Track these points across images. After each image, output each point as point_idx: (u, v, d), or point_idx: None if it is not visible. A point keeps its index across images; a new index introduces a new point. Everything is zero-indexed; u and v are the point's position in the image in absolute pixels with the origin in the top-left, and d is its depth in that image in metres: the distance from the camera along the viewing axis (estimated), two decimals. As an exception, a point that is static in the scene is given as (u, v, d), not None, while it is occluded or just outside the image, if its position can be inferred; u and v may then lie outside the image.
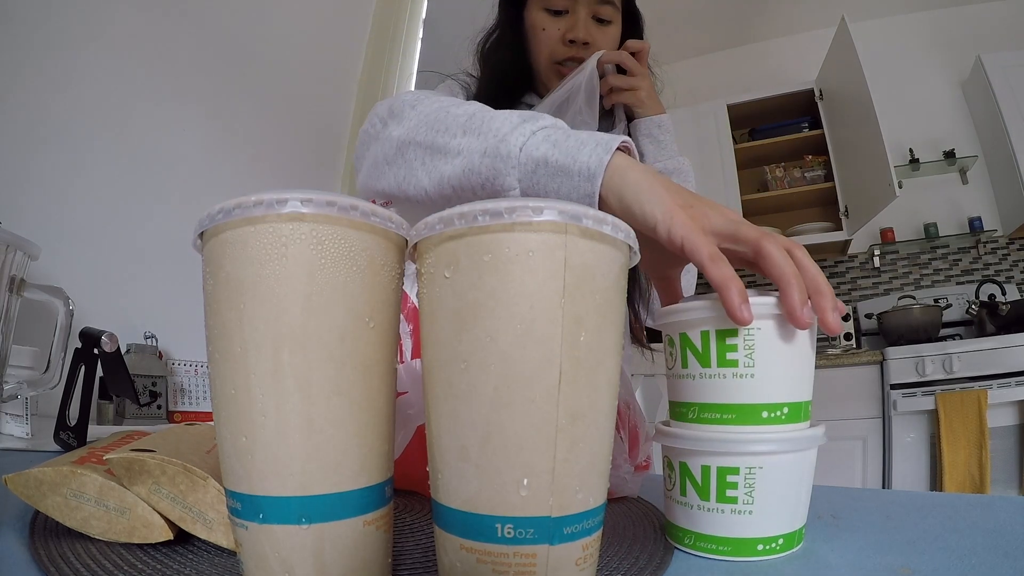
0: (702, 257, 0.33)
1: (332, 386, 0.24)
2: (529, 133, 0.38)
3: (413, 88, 2.04)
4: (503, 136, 0.38)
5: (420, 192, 0.44)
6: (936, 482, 1.94)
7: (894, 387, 2.05)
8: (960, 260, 2.63)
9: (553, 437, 0.23)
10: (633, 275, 0.70)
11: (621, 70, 0.73)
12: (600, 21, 0.73)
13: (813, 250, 2.79)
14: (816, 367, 0.36)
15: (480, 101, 0.49)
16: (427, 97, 0.49)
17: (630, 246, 0.27)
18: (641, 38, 0.79)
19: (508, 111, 0.42)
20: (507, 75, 0.76)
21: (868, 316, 2.62)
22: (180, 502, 0.31)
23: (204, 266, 0.26)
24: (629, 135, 0.75)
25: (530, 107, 0.78)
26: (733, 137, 2.82)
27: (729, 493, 0.33)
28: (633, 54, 0.72)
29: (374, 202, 0.45)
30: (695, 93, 2.95)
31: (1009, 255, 2.55)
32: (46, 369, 0.50)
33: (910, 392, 2.02)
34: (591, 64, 0.70)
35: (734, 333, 0.33)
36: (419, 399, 0.44)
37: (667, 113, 0.75)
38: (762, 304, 0.33)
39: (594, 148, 0.36)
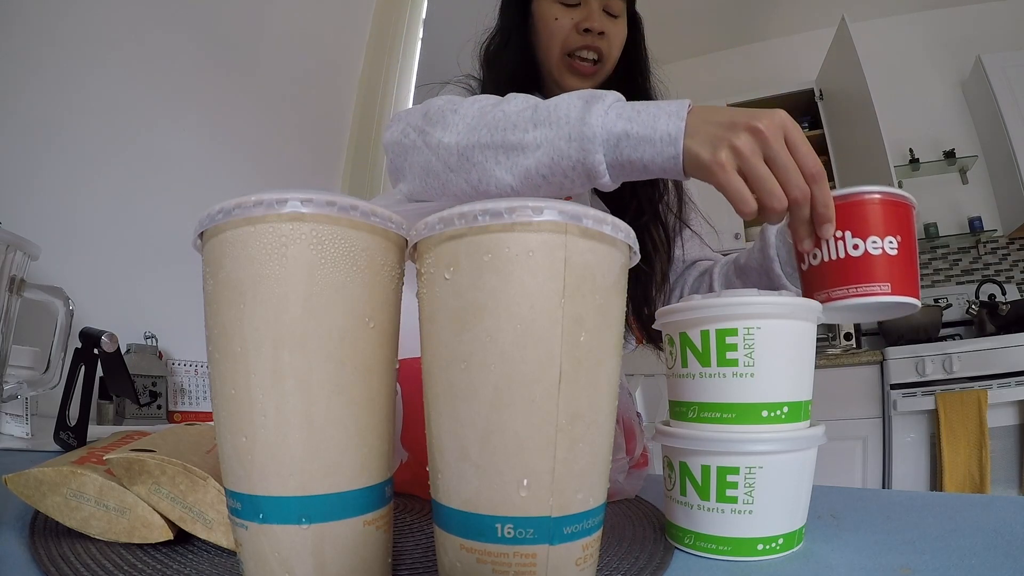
0: (711, 175, 0.39)
1: (332, 386, 0.24)
2: (603, 112, 0.42)
3: (412, 96, 2.04)
4: (579, 120, 0.42)
5: (504, 188, 0.46)
6: (936, 482, 1.94)
7: (894, 387, 2.05)
8: (960, 260, 2.63)
9: (553, 437, 0.23)
10: (636, 275, 0.69)
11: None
12: (610, 15, 0.72)
13: (813, 250, 2.80)
14: (816, 367, 0.36)
15: None
16: (462, 101, 0.51)
17: (630, 246, 0.27)
18: (641, 41, 0.79)
19: (565, 95, 0.45)
20: (515, 76, 0.74)
21: (868, 316, 2.61)
22: (180, 502, 0.31)
23: (204, 266, 0.26)
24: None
25: None
26: (733, 137, 2.82)
27: (729, 493, 0.33)
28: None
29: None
30: (695, 93, 2.92)
31: (1009, 255, 2.55)
32: (46, 369, 0.50)
33: (910, 392, 2.02)
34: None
35: (734, 332, 0.33)
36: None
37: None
38: (762, 304, 0.33)
39: (668, 117, 0.41)
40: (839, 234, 0.40)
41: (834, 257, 0.40)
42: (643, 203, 0.73)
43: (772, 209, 0.39)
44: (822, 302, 0.40)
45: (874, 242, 0.38)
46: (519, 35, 0.76)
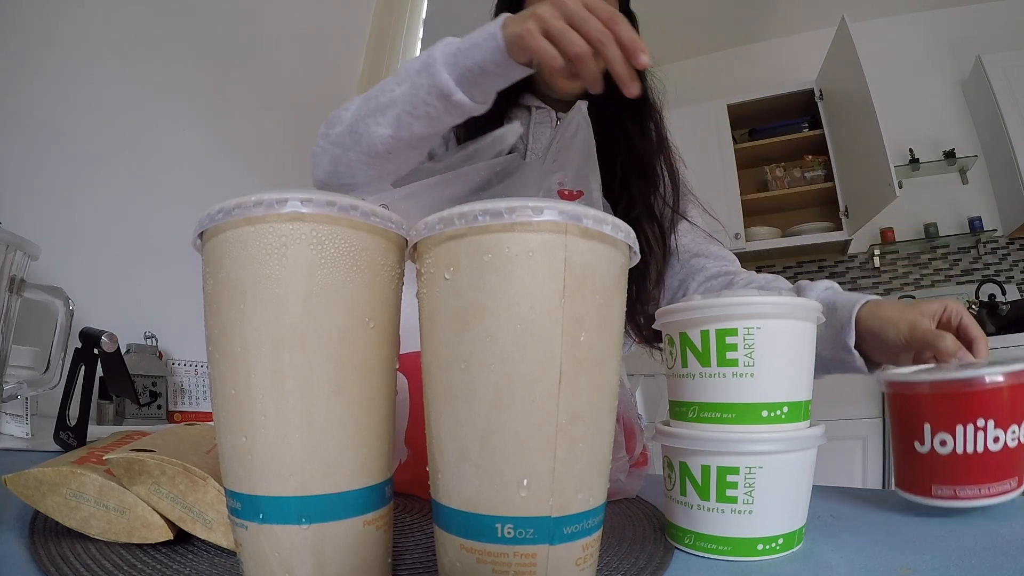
0: (523, 42, 0.46)
1: (332, 386, 0.24)
2: (442, 46, 0.52)
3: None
4: (424, 58, 0.53)
5: (385, 140, 0.56)
6: (936, 482, 1.94)
7: (894, 387, 2.05)
8: (960, 260, 2.63)
9: (553, 437, 0.23)
10: (633, 275, 0.68)
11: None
12: None
13: (813, 250, 2.80)
14: (816, 367, 0.36)
15: None
16: (353, 99, 0.61)
17: (630, 246, 0.27)
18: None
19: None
20: None
21: (868, 316, 2.60)
22: (180, 502, 0.31)
23: (204, 266, 0.26)
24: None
25: (527, 108, 0.76)
26: (733, 137, 2.82)
27: (729, 493, 0.33)
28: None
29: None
30: (695, 93, 2.94)
31: (1009, 255, 2.55)
32: (46, 369, 0.50)
33: (910, 392, 2.01)
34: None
35: (734, 332, 0.33)
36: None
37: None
38: (762, 304, 0.33)
39: (490, 25, 0.50)
40: (980, 423, 0.34)
41: (970, 451, 0.35)
42: (635, 197, 0.73)
43: (576, 56, 0.45)
44: (944, 498, 0.36)
45: (1013, 432, 0.34)
46: None
